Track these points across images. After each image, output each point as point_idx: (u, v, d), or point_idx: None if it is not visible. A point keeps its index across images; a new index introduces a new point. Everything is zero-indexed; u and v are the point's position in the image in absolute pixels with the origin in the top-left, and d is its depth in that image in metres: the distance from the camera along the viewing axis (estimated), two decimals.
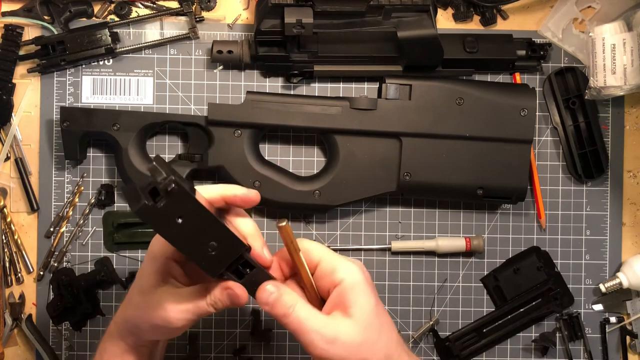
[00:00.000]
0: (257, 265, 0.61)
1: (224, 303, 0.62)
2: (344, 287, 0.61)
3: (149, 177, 0.54)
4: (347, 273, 0.61)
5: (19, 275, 0.88)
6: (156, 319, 0.63)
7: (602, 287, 0.89)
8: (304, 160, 0.89)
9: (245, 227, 0.64)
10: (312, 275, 0.63)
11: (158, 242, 0.65)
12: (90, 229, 0.88)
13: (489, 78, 0.90)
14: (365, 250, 0.90)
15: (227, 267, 0.59)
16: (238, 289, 0.61)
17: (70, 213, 0.88)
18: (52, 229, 0.88)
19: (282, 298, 0.60)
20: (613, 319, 0.91)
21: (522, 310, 0.90)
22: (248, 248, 0.60)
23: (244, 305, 0.62)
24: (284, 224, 0.59)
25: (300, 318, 0.60)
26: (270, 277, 0.62)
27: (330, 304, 0.62)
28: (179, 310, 0.62)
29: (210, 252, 0.57)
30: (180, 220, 0.54)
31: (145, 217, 0.53)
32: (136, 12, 0.89)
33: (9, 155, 0.88)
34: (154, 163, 0.55)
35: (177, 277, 0.65)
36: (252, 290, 0.61)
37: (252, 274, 0.61)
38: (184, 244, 0.56)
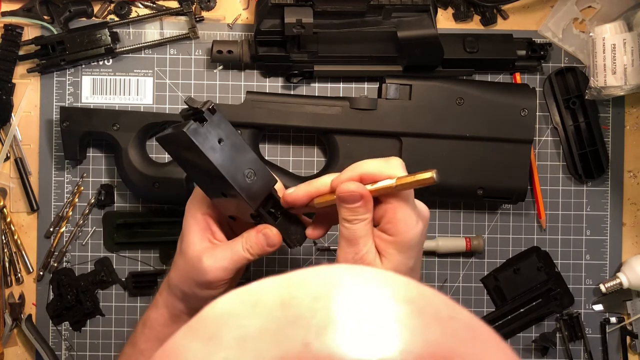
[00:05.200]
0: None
1: (259, 246, 0.63)
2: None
3: (187, 108, 0.60)
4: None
5: (19, 275, 0.88)
6: (194, 272, 0.64)
7: (602, 287, 0.89)
8: (304, 160, 0.89)
9: None
10: None
11: (196, 199, 0.67)
12: (90, 229, 0.88)
13: (489, 78, 0.90)
14: None
15: (262, 205, 0.63)
16: (273, 229, 0.64)
17: (70, 213, 0.88)
18: (52, 229, 0.88)
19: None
20: (613, 319, 0.91)
21: (522, 310, 0.90)
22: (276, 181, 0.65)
23: (278, 247, 0.64)
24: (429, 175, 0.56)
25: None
26: (301, 221, 0.65)
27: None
28: (214, 259, 0.63)
29: (248, 181, 0.61)
30: (220, 143, 0.59)
31: (195, 137, 0.58)
32: (136, 12, 0.89)
33: (8, 155, 0.88)
34: (189, 97, 0.61)
35: (216, 236, 0.67)
36: (286, 233, 0.65)
37: (285, 217, 0.65)
38: (226, 169, 0.60)
